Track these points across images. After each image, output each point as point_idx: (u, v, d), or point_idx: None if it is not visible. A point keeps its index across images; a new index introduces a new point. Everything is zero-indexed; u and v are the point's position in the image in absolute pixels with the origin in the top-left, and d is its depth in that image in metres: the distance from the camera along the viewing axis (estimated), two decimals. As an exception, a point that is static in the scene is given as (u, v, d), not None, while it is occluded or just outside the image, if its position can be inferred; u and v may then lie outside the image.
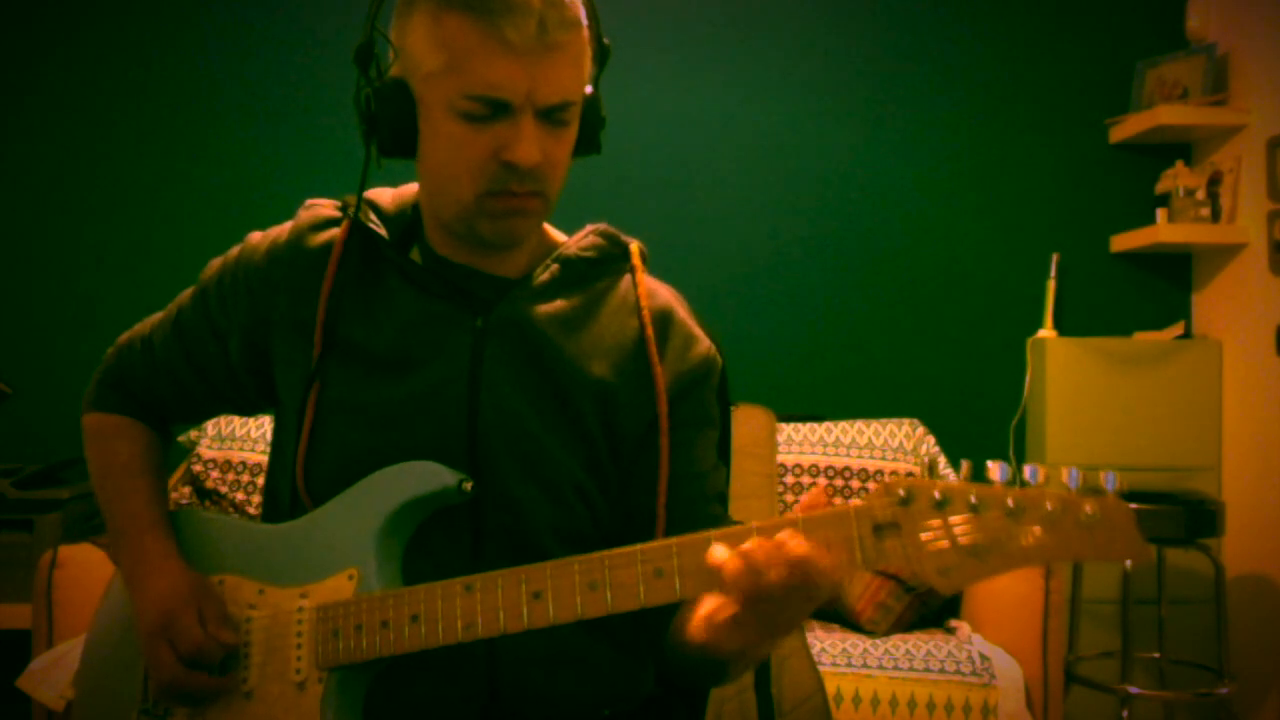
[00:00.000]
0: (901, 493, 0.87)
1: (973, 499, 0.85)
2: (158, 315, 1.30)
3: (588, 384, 1.14)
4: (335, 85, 3.22)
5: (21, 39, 3.23)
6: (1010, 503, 0.84)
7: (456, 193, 1.09)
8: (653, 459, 1.15)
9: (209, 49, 3.25)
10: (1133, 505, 0.86)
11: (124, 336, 1.31)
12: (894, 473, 2.85)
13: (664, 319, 1.19)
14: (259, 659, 1.09)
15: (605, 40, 1.15)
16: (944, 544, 0.86)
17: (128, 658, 1.18)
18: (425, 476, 1.07)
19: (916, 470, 2.86)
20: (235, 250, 1.24)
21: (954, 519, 0.86)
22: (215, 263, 1.25)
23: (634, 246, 1.23)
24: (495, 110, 1.05)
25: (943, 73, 3.28)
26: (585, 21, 1.09)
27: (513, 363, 1.14)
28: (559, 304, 1.16)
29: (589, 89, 1.13)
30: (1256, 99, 3.00)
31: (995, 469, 0.86)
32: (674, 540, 0.95)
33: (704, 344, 1.21)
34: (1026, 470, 0.86)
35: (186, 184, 3.24)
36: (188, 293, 1.27)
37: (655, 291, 1.21)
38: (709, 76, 3.27)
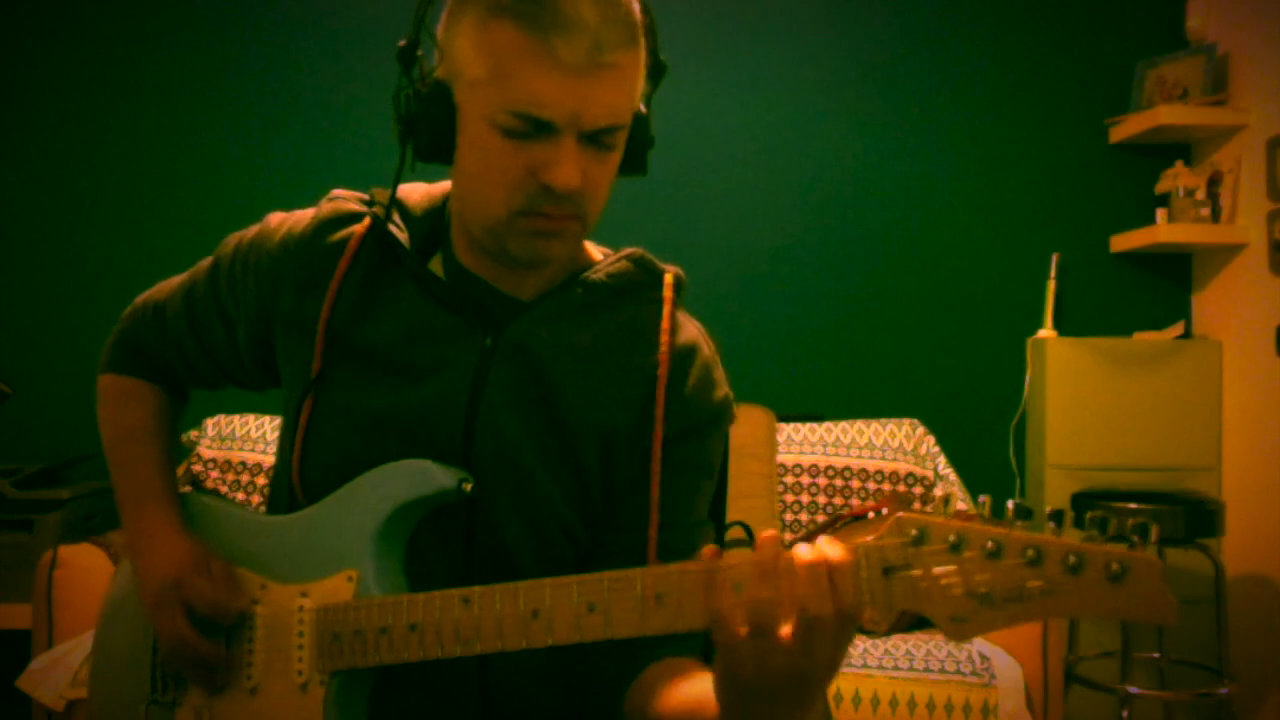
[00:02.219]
0: (914, 532, 0.83)
1: (990, 545, 0.80)
2: (176, 279, 1.28)
3: (591, 423, 1.10)
4: (340, 84, 3.23)
5: (21, 39, 3.23)
6: (1030, 552, 0.79)
7: (488, 208, 1.04)
8: (640, 500, 1.11)
9: (210, 49, 3.25)
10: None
11: (141, 297, 1.30)
12: (894, 473, 2.85)
13: (685, 356, 1.14)
14: (262, 655, 1.08)
15: (661, 57, 1.10)
16: (957, 591, 0.81)
17: (136, 650, 1.17)
18: (423, 477, 1.06)
19: (917, 470, 2.85)
20: (253, 230, 1.21)
21: (970, 565, 0.81)
22: (232, 240, 1.22)
23: (668, 276, 1.17)
24: (537, 128, 0.99)
25: (943, 73, 3.29)
26: (642, 39, 1.03)
27: (516, 389, 1.10)
28: (576, 331, 1.12)
29: (643, 107, 1.09)
30: (1256, 99, 3.00)
31: (1013, 508, 0.81)
32: (677, 565, 0.90)
33: (721, 390, 1.16)
34: (1049, 512, 0.80)
35: (187, 183, 3.24)
36: (205, 264, 1.25)
37: (682, 327, 1.16)
38: (709, 78, 3.27)
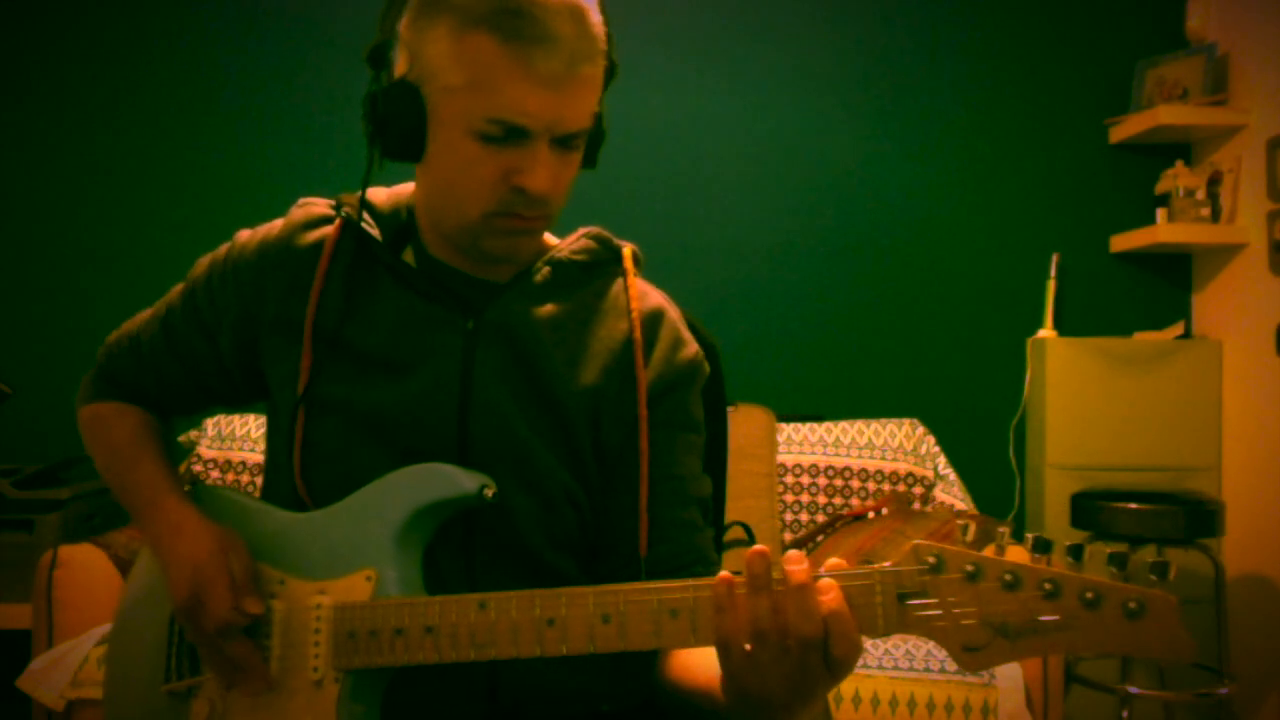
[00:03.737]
0: (931, 560, 0.83)
1: (1008, 576, 0.80)
2: (146, 312, 1.30)
3: (576, 390, 1.14)
4: (331, 84, 3.23)
5: (19, 40, 3.24)
6: (1048, 586, 0.79)
7: (462, 209, 1.09)
8: (633, 461, 1.15)
9: (206, 49, 3.25)
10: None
11: (112, 336, 1.32)
12: (894, 473, 2.85)
13: (653, 321, 1.20)
14: (279, 651, 1.09)
15: (613, 58, 1.13)
16: (972, 620, 0.81)
17: (155, 639, 1.18)
18: (445, 481, 1.07)
19: (917, 470, 2.86)
20: (224, 248, 1.24)
21: (986, 595, 0.81)
22: (204, 260, 1.25)
23: (626, 250, 1.23)
24: (513, 134, 1.04)
25: (943, 73, 3.29)
26: (605, 47, 1.08)
27: (503, 366, 1.14)
28: (549, 307, 1.17)
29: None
30: (1256, 99, 3.00)
31: (1031, 540, 0.81)
32: (693, 581, 0.92)
33: (691, 348, 1.21)
34: (1068, 547, 0.80)
35: (184, 183, 3.24)
36: (177, 290, 1.27)
37: (646, 294, 1.22)
38: (709, 77, 3.27)
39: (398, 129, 1.08)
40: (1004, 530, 0.85)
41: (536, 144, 1.05)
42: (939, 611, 0.82)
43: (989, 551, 0.86)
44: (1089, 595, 0.78)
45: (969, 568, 0.82)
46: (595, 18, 1.05)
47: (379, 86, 1.09)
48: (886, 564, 0.85)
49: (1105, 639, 0.78)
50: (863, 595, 0.85)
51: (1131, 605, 0.77)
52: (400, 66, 1.09)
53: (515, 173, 1.05)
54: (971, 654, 0.81)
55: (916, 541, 0.84)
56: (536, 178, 1.05)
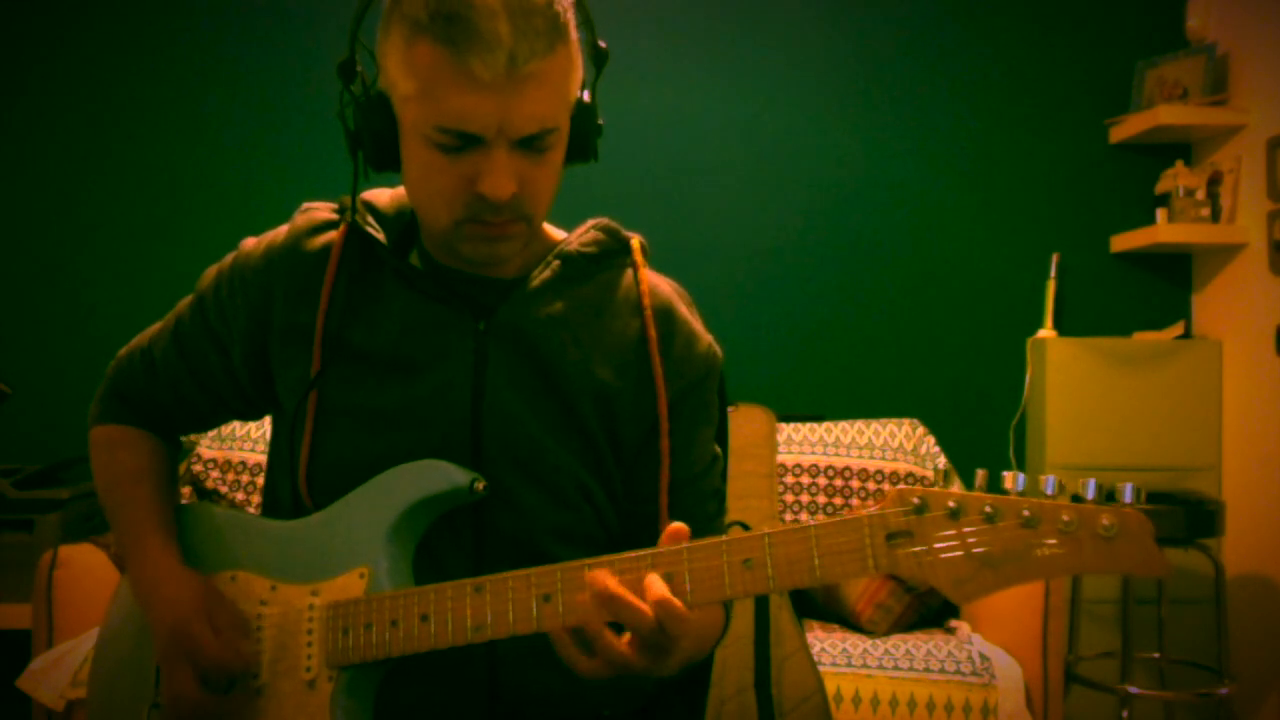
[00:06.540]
0: (915, 501, 0.86)
1: (988, 509, 0.84)
2: (156, 326, 1.29)
3: (589, 387, 1.14)
4: (336, 88, 3.23)
5: (21, 41, 3.23)
6: (1026, 513, 0.83)
7: (434, 216, 1.09)
8: (654, 461, 1.16)
9: (209, 53, 3.25)
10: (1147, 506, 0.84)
11: (124, 350, 1.30)
12: (894, 473, 2.85)
13: (666, 317, 1.19)
14: (270, 656, 1.09)
15: (601, 44, 1.12)
16: (958, 554, 0.85)
17: (139, 654, 1.18)
18: (436, 476, 1.08)
19: (917, 470, 2.86)
20: (230, 257, 1.23)
21: (968, 529, 0.85)
22: (211, 271, 1.25)
23: (635, 241, 1.23)
24: (466, 142, 1.02)
25: (943, 73, 3.28)
26: (571, 34, 1.05)
27: (515, 366, 1.13)
28: (560, 303, 1.16)
29: (585, 95, 1.11)
30: (1256, 99, 3.00)
31: (1011, 478, 0.85)
32: (685, 545, 0.94)
33: (704, 341, 1.21)
34: (1044, 480, 0.84)
35: (186, 185, 3.24)
36: (185, 302, 1.26)
37: (656, 288, 1.21)
38: (708, 77, 3.27)
39: (372, 140, 1.08)
40: (982, 473, 0.88)
41: (493, 149, 1.02)
42: (924, 547, 0.86)
43: None
44: (1065, 519, 0.82)
45: (951, 504, 0.86)
46: (547, 10, 1.01)
47: (352, 100, 1.10)
48: (873, 508, 0.89)
49: (1084, 560, 0.82)
50: (852, 540, 0.88)
51: (1107, 524, 0.81)
52: (374, 77, 1.10)
53: (475, 179, 1.03)
54: (960, 586, 0.85)
55: (901, 487, 0.88)
56: (494, 184, 1.03)
